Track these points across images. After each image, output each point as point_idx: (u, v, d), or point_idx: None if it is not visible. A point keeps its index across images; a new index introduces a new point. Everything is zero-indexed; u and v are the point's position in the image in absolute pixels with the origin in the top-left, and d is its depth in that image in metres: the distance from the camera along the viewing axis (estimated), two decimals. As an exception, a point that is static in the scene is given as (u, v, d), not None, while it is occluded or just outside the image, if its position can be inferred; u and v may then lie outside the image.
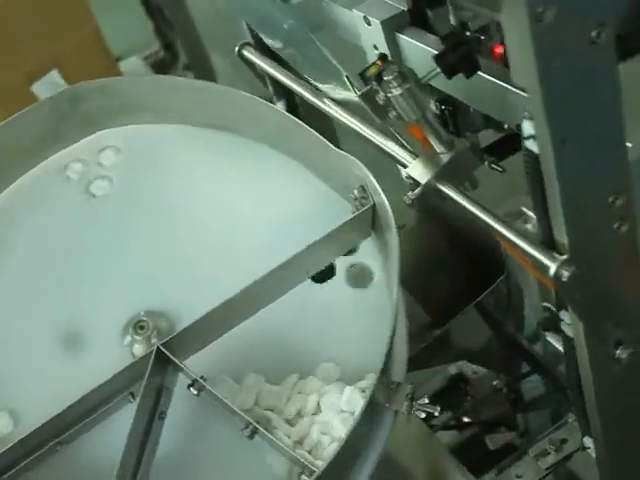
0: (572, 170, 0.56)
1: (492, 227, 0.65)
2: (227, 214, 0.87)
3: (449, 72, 0.67)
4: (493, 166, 0.87)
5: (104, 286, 0.86)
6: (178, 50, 2.56)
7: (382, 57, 0.70)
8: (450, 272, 1.01)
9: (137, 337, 0.80)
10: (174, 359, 0.73)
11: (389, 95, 0.66)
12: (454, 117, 0.87)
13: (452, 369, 1.15)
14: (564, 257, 0.60)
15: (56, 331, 0.85)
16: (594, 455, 0.77)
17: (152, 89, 0.87)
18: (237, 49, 1.02)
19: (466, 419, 1.11)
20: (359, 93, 0.70)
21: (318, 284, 0.82)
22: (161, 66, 2.61)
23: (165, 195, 0.89)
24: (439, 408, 0.76)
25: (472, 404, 1.08)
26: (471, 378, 1.13)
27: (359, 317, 0.81)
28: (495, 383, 1.05)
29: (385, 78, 0.66)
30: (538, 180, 0.59)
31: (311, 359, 0.79)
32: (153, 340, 0.80)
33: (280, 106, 1.07)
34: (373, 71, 0.68)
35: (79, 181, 0.90)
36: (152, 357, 0.72)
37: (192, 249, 0.86)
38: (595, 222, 0.60)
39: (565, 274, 0.59)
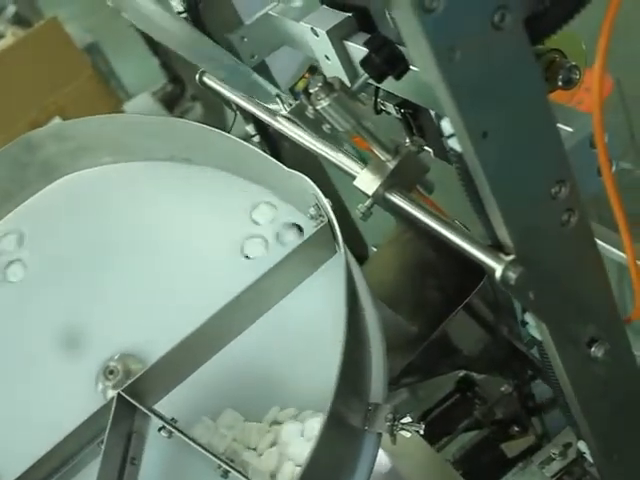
0: (499, 165, 0.53)
1: (439, 232, 0.62)
2: (194, 246, 0.85)
3: (377, 76, 0.64)
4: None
5: (78, 331, 0.84)
6: (185, 82, 2.57)
7: (310, 69, 0.67)
8: (439, 278, 0.97)
9: (108, 383, 0.78)
10: (136, 404, 0.70)
11: (318, 108, 0.63)
12: (416, 120, 0.84)
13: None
14: (510, 258, 0.56)
15: (37, 381, 0.83)
16: (591, 460, 0.73)
17: (105, 129, 0.85)
18: (197, 76, 1.01)
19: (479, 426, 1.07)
20: (288, 110, 0.67)
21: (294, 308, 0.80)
22: (170, 99, 2.62)
23: (132, 234, 0.87)
24: (423, 426, 0.72)
25: (483, 411, 1.04)
26: (477, 379, 1.09)
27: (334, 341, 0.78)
28: (503, 389, 1.01)
29: (311, 90, 0.63)
30: (470, 180, 0.55)
31: (287, 387, 0.76)
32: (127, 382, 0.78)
33: (249, 129, 1.05)
34: (301, 85, 0.65)
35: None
36: (114, 404, 0.70)
37: (162, 287, 0.84)
38: (539, 217, 0.56)
39: (512, 276, 0.56)
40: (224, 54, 0.82)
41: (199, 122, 2.21)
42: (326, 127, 0.66)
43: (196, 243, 0.86)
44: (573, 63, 0.65)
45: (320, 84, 0.62)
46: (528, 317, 0.64)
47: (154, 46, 2.54)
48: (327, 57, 0.83)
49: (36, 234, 0.90)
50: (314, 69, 0.68)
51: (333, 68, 0.83)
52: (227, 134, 0.80)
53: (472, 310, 0.91)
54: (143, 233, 0.88)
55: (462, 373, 1.07)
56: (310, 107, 0.64)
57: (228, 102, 1.01)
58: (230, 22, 0.98)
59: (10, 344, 0.85)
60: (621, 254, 0.81)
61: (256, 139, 1.04)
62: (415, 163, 0.68)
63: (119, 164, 0.88)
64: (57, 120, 1.96)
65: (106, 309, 0.86)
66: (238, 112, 1.02)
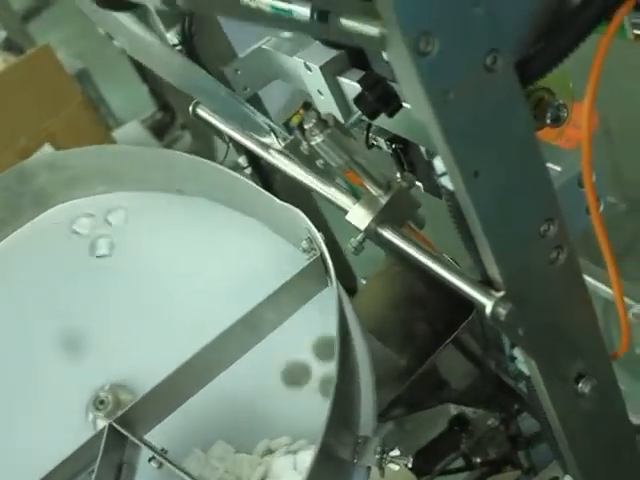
0: (490, 204, 0.54)
1: (429, 268, 0.63)
2: (185, 276, 0.86)
3: (370, 114, 0.65)
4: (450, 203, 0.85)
5: (68, 361, 0.85)
6: (175, 110, 2.59)
7: (305, 105, 0.68)
8: (427, 312, 0.98)
9: (98, 413, 0.79)
10: (127, 434, 0.70)
11: (312, 143, 0.64)
12: (407, 155, 0.85)
13: (452, 410, 1.12)
14: (500, 294, 0.57)
15: (27, 410, 0.83)
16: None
17: (99, 159, 0.86)
18: (191, 108, 1.02)
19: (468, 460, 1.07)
20: (282, 145, 0.68)
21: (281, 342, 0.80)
22: (159, 127, 2.63)
23: (122, 263, 0.88)
24: (411, 459, 0.73)
25: (470, 445, 1.05)
26: (472, 418, 1.10)
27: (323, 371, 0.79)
28: (490, 422, 1.02)
29: (305, 126, 0.64)
30: (461, 218, 0.56)
31: (278, 419, 0.77)
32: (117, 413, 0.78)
33: (242, 161, 1.06)
34: (295, 120, 0.66)
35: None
36: (105, 434, 0.70)
37: (152, 317, 0.85)
38: (529, 255, 0.57)
39: (502, 312, 0.57)
40: (218, 86, 0.83)
41: (188, 151, 2.23)
42: (320, 162, 0.67)
43: (186, 274, 0.87)
44: (561, 102, 0.66)
45: (314, 120, 0.63)
46: (517, 352, 0.64)
47: (144, 73, 2.56)
48: (320, 92, 0.84)
49: (28, 261, 0.90)
50: (308, 105, 0.69)
51: (325, 103, 0.84)
52: (220, 166, 0.81)
53: (460, 344, 0.92)
54: (133, 263, 0.89)
55: (455, 411, 1.08)
56: (304, 142, 0.65)
57: (220, 133, 1.03)
58: (224, 55, 1.00)
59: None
60: (607, 290, 0.83)
61: (248, 171, 1.05)
62: (407, 199, 0.69)
63: (112, 194, 0.89)
64: (47, 147, 1.97)
65: (96, 339, 0.86)
66: (230, 144, 1.03)
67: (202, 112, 0.99)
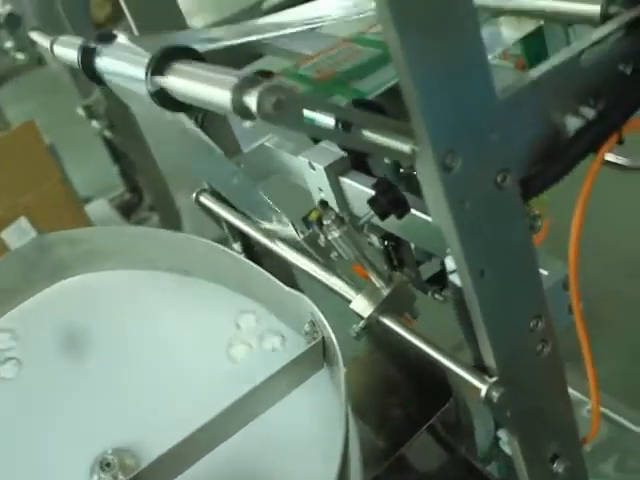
0: (493, 300, 0.62)
1: (429, 354, 0.70)
2: (188, 353, 0.91)
3: (382, 215, 0.74)
4: (436, 296, 0.94)
5: (70, 424, 0.89)
6: (143, 192, 2.66)
7: (322, 203, 0.77)
8: (403, 397, 1.05)
9: (103, 475, 0.83)
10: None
11: (329, 238, 0.72)
12: (397, 251, 0.94)
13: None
14: (493, 379, 0.65)
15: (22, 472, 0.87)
16: None
17: (116, 238, 0.93)
18: (194, 195, 1.10)
19: None
20: (302, 237, 0.76)
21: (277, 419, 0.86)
22: (127, 208, 2.70)
23: (130, 334, 0.93)
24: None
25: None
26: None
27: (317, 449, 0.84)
28: (456, 506, 1.08)
29: (325, 222, 0.72)
30: (464, 310, 0.65)
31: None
32: (120, 478, 0.83)
33: (236, 247, 1.14)
34: (313, 216, 0.75)
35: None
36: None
37: (157, 388, 0.90)
38: (519, 346, 0.66)
39: (495, 395, 0.64)
40: (236, 171, 0.91)
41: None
42: (334, 255, 0.75)
43: (188, 349, 0.93)
44: (537, 212, 0.76)
45: (333, 217, 0.72)
46: (501, 433, 0.72)
47: (116, 154, 2.63)
48: (320, 189, 0.93)
49: (34, 332, 0.95)
50: (325, 203, 0.77)
51: (325, 199, 0.93)
52: (229, 250, 0.89)
53: (434, 431, 0.99)
54: (138, 334, 0.94)
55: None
56: (322, 236, 0.73)
57: (219, 220, 1.10)
58: (229, 148, 1.08)
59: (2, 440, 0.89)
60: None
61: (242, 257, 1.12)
62: (406, 292, 0.78)
63: (122, 270, 0.96)
64: (23, 220, 2.02)
65: (98, 405, 0.91)
66: (228, 231, 1.11)
67: (205, 200, 1.07)
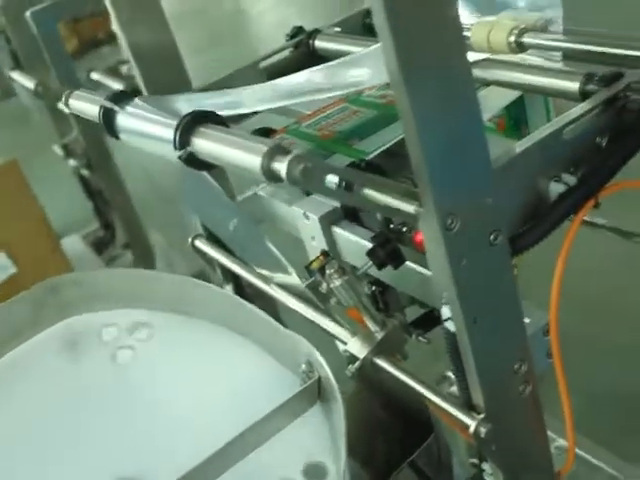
0: (483, 344, 0.70)
1: (421, 394, 0.77)
2: (188, 392, 0.97)
3: (379, 265, 0.81)
4: (420, 338, 1.01)
5: (78, 455, 0.94)
6: (116, 229, 2.70)
7: (324, 253, 0.84)
8: (387, 434, 1.11)
9: (109, 505, 0.88)
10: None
11: (331, 286, 0.79)
12: (384, 296, 1.01)
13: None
14: (481, 416, 0.72)
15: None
16: None
17: (121, 280, 0.99)
18: (190, 240, 1.16)
19: None
20: (305, 284, 0.83)
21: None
22: (100, 244, 2.74)
23: (127, 373, 0.99)
24: None
25: None
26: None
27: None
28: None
29: (327, 271, 0.79)
30: (456, 354, 0.72)
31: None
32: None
33: (228, 289, 1.20)
34: (316, 265, 0.81)
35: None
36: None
37: (158, 425, 0.95)
38: (505, 386, 0.73)
39: (483, 431, 0.72)
40: (241, 217, 0.97)
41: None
42: (334, 301, 0.82)
43: (186, 384, 0.98)
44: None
45: (336, 267, 0.79)
46: (485, 465, 0.79)
47: (90, 190, 2.67)
48: (313, 238, 1.00)
49: (37, 369, 1.00)
50: (327, 253, 0.84)
51: (317, 248, 1.00)
52: (229, 293, 0.95)
53: (415, 467, 1.05)
54: (138, 373, 1.00)
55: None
56: (324, 284, 0.80)
57: (211, 263, 1.17)
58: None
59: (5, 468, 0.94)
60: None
61: (233, 298, 1.19)
62: (398, 335, 0.85)
63: (123, 309, 1.02)
64: (2, 255, 2.06)
65: (104, 436, 0.96)
66: (220, 273, 1.18)
67: (201, 245, 1.14)
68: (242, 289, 1.20)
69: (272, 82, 0.89)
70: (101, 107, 0.85)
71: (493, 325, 0.70)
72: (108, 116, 0.84)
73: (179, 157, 0.71)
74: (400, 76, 0.57)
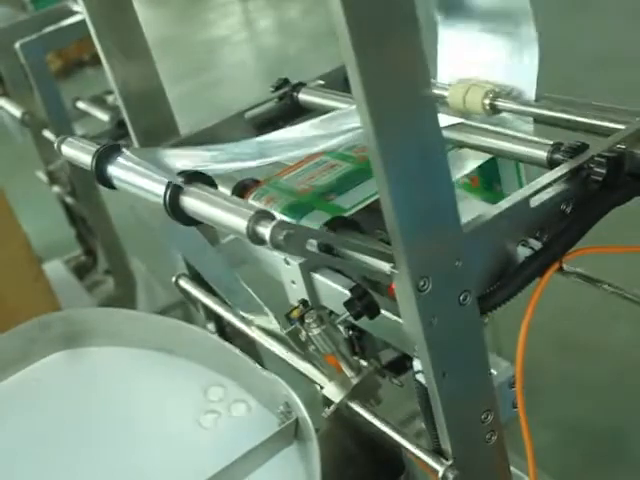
0: (451, 396, 0.74)
1: (393, 438, 0.82)
2: (167, 426, 1.01)
3: (356, 316, 0.85)
4: (393, 380, 1.05)
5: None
6: (98, 255, 2.73)
7: (303, 302, 0.88)
8: (359, 470, 1.15)
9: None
10: None
11: (309, 334, 0.84)
12: (360, 340, 1.06)
13: None
14: (449, 462, 0.77)
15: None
16: None
17: (107, 318, 1.03)
18: (174, 279, 1.20)
19: None
20: (285, 331, 0.87)
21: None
22: (81, 270, 2.77)
23: (111, 407, 1.03)
24: None
25: None
26: None
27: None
28: None
29: (307, 320, 0.84)
30: (427, 403, 0.76)
31: None
32: None
33: (210, 327, 1.24)
34: (295, 314, 0.86)
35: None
36: None
37: (136, 460, 0.99)
38: (472, 435, 0.78)
39: (450, 476, 0.76)
40: (219, 258, 1.02)
41: (110, 297, 2.36)
42: (312, 348, 0.86)
43: (166, 424, 1.02)
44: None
45: (314, 317, 0.83)
46: (453, 509, 0.83)
47: (73, 217, 2.71)
48: (293, 282, 1.04)
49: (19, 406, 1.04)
50: (306, 302, 0.89)
51: (297, 291, 1.04)
52: (211, 334, 0.99)
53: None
54: (119, 408, 1.04)
55: None
56: (303, 332, 0.84)
57: (194, 302, 1.21)
58: (208, 237, 1.18)
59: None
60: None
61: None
62: (372, 381, 0.89)
63: (110, 347, 1.06)
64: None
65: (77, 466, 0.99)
66: (202, 311, 1.22)
67: (185, 284, 1.18)
68: (224, 327, 1.24)
69: (259, 139, 0.94)
70: (93, 157, 0.89)
71: (462, 378, 0.74)
72: (100, 168, 0.89)
73: (167, 211, 0.75)
74: (377, 152, 0.62)
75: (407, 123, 0.63)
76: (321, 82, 1.20)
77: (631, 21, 4.04)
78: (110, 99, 2.47)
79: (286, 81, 1.20)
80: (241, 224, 0.66)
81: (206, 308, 1.20)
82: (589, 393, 2.14)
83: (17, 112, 2.27)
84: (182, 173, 0.76)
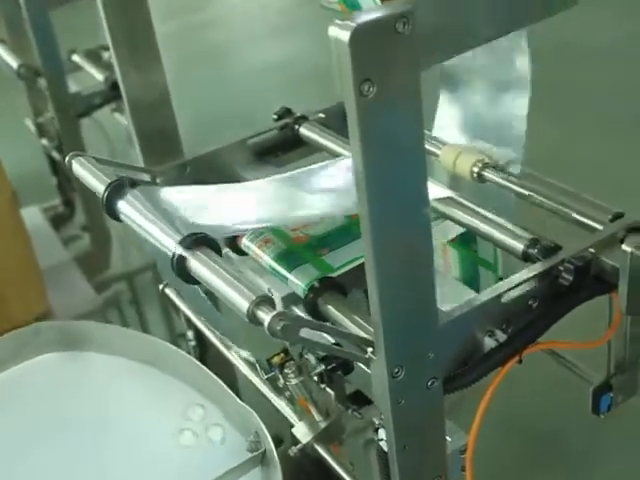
0: (409, 464, 0.83)
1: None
2: (147, 440, 1.07)
3: (331, 370, 0.93)
4: (355, 414, 1.14)
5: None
6: (76, 209, 2.78)
7: (285, 351, 0.96)
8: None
9: None
10: None
11: (287, 383, 0.92)
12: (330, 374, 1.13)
13: None
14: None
15: None
16: None
17: (99, 331, 1.10)
18: (161, 288, 1.27)
19: None
20: (265, 377, 0.95)
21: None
22: (59, 220, 2.81)
23: (92, 412, 1.10)
24: None
25: None
26: None
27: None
28: None
29: (286, 370, 0.92)
30: (385, 465, 0.85)
31: None
32: None
33: (190, 334, 1.32)
34: (277, 361, 0.94)
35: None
36: None
37: (108, 470, 1.06)
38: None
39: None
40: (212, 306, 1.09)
41: (85, 254, 2.38)
42: (287, 393, 0.94)
43: (146, 438, 1.09)
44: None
45: (293, 368, 0.91)
46: None
47: (55, 167, 2.74)
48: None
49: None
50: (287, 351, 0.96)
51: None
52: (196, 361, 1.06)
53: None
54: (98, 413, 1.10)
55: None
56: (282, 379, 0.92)
57: (178, 312, 1.28)
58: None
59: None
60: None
61: (192, 343, 1.31)
62: (338, 425, 0.98)
63: (101, 354, 1.12)
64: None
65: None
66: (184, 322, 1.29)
67: (171, 294, 1.25)
68: (203, 342, 1.31)
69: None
70: (105, 190, 0.95)
71: (419, 449, 0.83)
72: (110, 201, 0.95)
73: (173, 266, 0.82)
74: (372, 262, 0.69)
75: (403, 241, 0.70)
76: (322, 115, 1.26)
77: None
78: (106, 55, 2.48)
79: (288, 111, 1.26)
80: (243, 304, 0.73)
81: (188, 321, 1.27)
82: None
83: (14, 63, 2.30)
84: (191, 236, 0.82)
